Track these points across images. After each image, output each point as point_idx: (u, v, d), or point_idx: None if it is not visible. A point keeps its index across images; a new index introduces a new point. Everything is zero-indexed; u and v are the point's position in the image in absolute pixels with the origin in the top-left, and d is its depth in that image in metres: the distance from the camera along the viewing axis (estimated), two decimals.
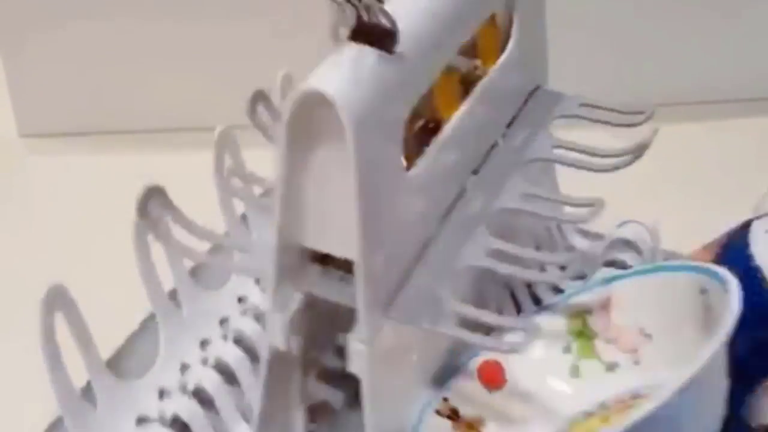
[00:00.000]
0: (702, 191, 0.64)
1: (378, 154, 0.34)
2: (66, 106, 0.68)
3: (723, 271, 0.38)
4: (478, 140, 0.43)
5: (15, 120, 0.70)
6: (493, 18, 0.43)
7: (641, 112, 0.45)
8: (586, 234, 0.53)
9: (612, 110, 0.45)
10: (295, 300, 0.36)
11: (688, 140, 0.67)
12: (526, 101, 0.47)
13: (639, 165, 0.42)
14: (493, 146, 0.44)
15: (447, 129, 0.39)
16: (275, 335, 0.37)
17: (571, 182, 0.46)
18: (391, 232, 0.36)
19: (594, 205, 0.41)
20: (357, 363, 0.36)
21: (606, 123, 0.45)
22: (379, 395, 0.37)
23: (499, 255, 0.39)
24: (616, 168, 0.43)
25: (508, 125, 0.45)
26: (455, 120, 0.40)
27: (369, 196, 0.33)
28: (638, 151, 0.42)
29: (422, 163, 0.37)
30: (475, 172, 0.42)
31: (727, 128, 0.72)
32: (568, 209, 0.45)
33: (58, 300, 0.40)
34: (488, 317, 0.37)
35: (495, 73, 0.43)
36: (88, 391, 0.42)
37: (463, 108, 0.40)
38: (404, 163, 0.36)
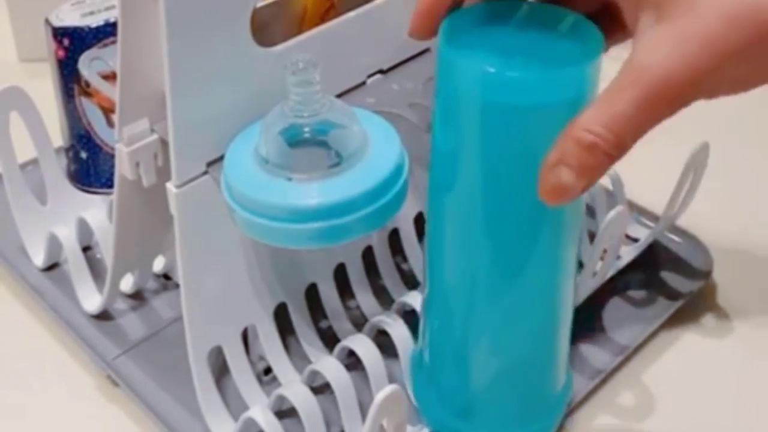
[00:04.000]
0: None
1: (203, 19, 0.36)
2: None
3: None
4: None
5: (15, 44, 0.71)
6: None
7: None
8: None
9: None
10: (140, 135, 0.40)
11: None
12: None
13: None
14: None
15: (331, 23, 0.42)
16: (123, 166, 0.41)
17: None
18: (213, 92, 0.38)
19: None
20: (172, 205, 0.39)
21: None
22: (191, 235, 0.40)
23: None
24: None
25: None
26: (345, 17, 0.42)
27: (181, 53, 0.36)
28: None
29: (284, 45, 0.40)
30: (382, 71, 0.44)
31: None
32: None
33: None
34: None
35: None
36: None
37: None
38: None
